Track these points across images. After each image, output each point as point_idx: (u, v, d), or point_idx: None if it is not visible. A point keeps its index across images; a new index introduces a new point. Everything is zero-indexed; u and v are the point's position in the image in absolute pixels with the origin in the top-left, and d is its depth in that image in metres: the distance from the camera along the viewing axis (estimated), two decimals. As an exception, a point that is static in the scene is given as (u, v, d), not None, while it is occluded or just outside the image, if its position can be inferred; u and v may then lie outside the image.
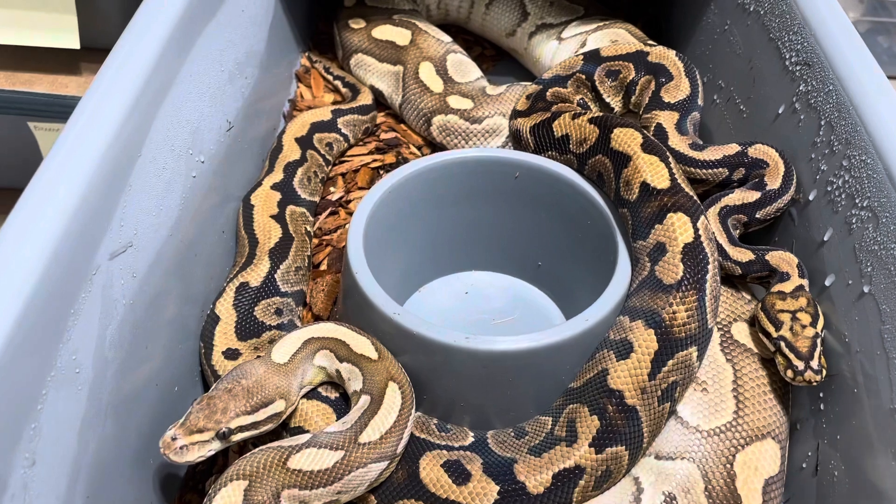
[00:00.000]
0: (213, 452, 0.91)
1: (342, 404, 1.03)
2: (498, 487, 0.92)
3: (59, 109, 1.76)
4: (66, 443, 0.81)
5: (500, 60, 1.80)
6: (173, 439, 0.89)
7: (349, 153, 1.50)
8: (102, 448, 0.87)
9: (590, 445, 0.93)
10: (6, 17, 1.67)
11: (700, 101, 1.28)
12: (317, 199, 1.39)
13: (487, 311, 1.28)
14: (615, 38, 1.52)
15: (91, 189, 0.85)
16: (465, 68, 1.56)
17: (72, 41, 1.68)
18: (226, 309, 1.12)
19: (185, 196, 1.10)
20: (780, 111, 1.19)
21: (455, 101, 1.48)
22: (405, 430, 0.93)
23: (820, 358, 0.96)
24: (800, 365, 0.96)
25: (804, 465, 1.02)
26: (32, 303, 0.75)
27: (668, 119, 1.23)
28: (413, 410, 0.97)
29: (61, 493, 0.79)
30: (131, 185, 0.96)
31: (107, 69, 0.99)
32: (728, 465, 0.94)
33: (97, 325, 0.87)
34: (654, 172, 1.06)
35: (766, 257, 1.08)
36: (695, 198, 1.05)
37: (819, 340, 0.97)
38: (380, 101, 1.61)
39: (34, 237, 0.78)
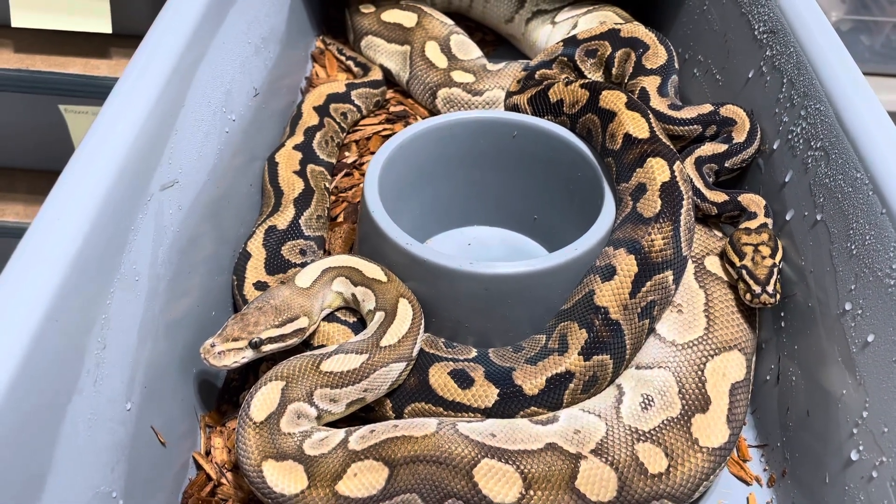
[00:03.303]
0: (246, 360, 1.05)
1: (360, 327, 1.16)
2: (498, 390, 1.06)
3: (91, 90, 1.89)
4: (128, 338, 0.94)
5: (499, 46, 1.94)
6: (212, 346, 1.03)
7: (362, 123, 1.64)
8: (156, 350, 1.01)
9: (579, 354, 1.06)
10: (43, 3, 1.81)
11: (676, 66, 1.42)
12: (333, 160, 1.53)
13: (488, 259, 1.41)
14: (603, 19, 1.66)
15: (147, 125, 0.99)
16: (467, 48, 1.70)
17: (104, 25, 1.82)
18: (256, 247, 1.25)
19: (220, 147, 1.23)
20: (749, 76, 1.33)
21: (458, 76, 1.62)
22: (418, 336, 1.07)
23: (776, 284, 1.10)
24: (757, 289, 1.09)
25: (768, 378, 1.15)
26: (102, 215, 0.88)
27: (651, 83, 1.37)
28: (422, 320, 1.10)
29: (125, 378, 0.92)
30: (177, 130, 1.09)
31: (154, 31, 1.14)
32: (699, 372, 1.07)
33: (151, 243, 1.00)
34: (635, 125, 1.20)
35: (739, 198, 1.22)
36: (671, 146, 1.18)
37: (776, 269, 1.11)
38: (389, 79, 1.75)
39: (104, 160, 0.92)
